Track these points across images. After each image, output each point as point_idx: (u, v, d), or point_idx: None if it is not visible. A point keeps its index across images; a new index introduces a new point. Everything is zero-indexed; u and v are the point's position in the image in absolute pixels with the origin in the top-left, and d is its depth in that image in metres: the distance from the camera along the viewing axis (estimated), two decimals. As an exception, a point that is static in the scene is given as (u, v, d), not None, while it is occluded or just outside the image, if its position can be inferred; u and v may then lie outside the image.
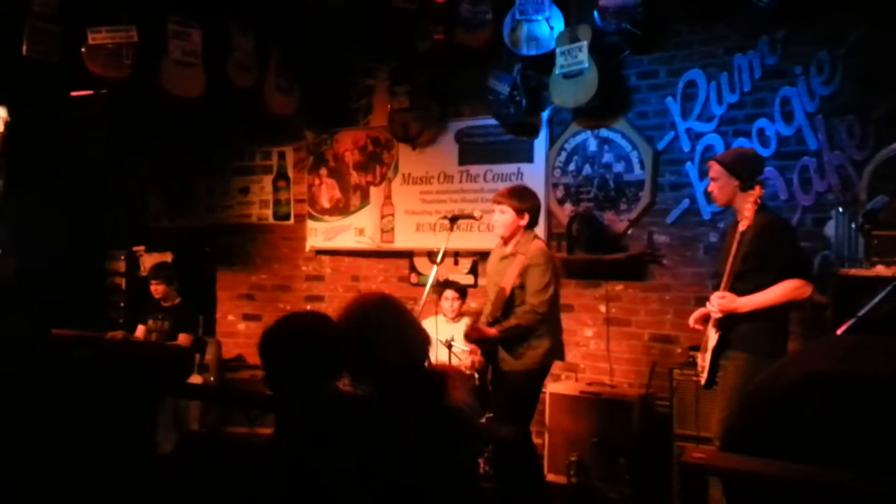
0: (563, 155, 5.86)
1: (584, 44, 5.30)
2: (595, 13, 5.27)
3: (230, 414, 5.29)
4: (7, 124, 6.21)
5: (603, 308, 5.66)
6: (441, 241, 4.48)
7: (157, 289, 6.05)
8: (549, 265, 4.29)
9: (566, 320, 4.98)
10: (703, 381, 3.98)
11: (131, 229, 7.54)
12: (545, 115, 5.87)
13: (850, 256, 4.44)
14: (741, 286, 3.81)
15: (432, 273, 4.41)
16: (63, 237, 6.73)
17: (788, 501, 2.29)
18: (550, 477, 5.17)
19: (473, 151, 6.24)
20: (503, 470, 4.53)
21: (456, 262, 6.35)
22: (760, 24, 5.04)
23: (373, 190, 6.75)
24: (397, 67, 6.38)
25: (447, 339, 5.24)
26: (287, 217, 7.27)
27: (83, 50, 5.35)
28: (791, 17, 4.92)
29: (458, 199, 6.25)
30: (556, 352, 4.43)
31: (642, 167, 5.53)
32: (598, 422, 5.10)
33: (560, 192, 5.87)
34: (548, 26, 5.49)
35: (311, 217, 7.05)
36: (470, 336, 4.33)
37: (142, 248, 7.16)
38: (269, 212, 7.35)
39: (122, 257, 7.14)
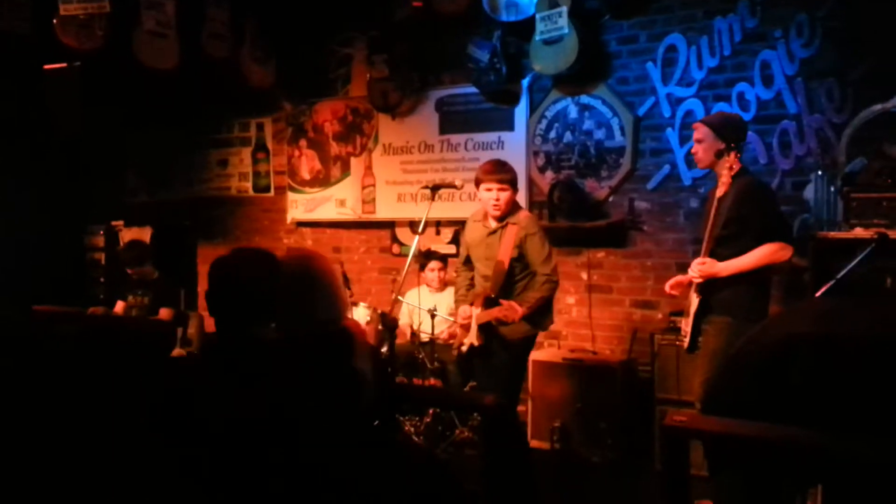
0: (544, 122, 5.83)
1: (564, 9, 5.27)
2: (574, -23, 5.23)
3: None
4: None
5: (584, 275, 5.68)
6: (422, 211, 4.45)
7: (130, 271, 5.97)
8: (542, 231, 4.27)
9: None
10: (685, 345, 4.00)
11: (110, 204, 7.48)
12: (525, 82, 5.84)
13: (830, 219, 4.46)
14: (721, 251, 3.82)
15: (414, 243, 4.38)
16: (40, 213, 6.66)
17: (768, 463, 2.31)
18: (534, 443, 5.22)
19: (454, 120, 6.21)
20: (488, 437, 4.54)
21: (438, 232, 6.34)
22: (740, -13, 5.03)
23: (353, 161, 6.71)
24: (375, 36, 6.30)
25: (430, 308, 5.25)
26: (267, 189, 7.22)
27: (55, 21, 5.26)
28: (770, -21, 4.91)
29: (439, 169, 6.23)
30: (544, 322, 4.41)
31: (623, 134, 5.52)
32: (580, 388, 5.13)
33: (541, 160, 5.85)
34: (527, -8, 5.44)
35: (292, 189, 7.01)
36: (507, 318, 4.03)
37: (121, 222, 7.11)
38: (248, 184, 7.30)
39: (101, 233, 7.08)
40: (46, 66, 6.16)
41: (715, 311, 3.85)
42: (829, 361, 2.21)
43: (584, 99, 5.66)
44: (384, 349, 5.34)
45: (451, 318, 4.92)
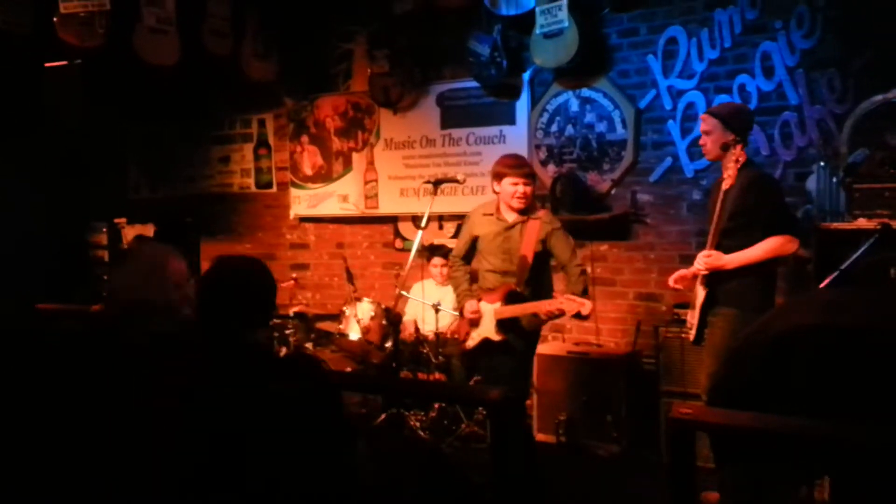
0: (545, 116, 5.83)
1: (564, 2, 5.27)
2: (574, -30, 5.22)
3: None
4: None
5: (588, 268, 5.66)
6: (425, 206, 4.46)
7: None
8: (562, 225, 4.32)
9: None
10: (691, 337, 4.01)
11: (112, 201, 7.48)
12: (526, 75, 5.83)
13: (832, 210, 4.46)
14: (728, 243, 3.83)
15: (417, 238, 4.40)
16: (43, 211, 6.66)
17: (775, 454, 2.32)
18: (540, 437, 5.23)
19: (455, 115, 6.21)
20: (495, 431, 4.54)
21: (440, 227, 6.34)
22: (740, -22, 5.03)
23: (355, 156, 6.71)
24: (376, 31, 6.31)
25: (434, 302, 5.26)
26: (269, 185, 7.22)
27: (55, 19, 5.26)
28: (771, -29, 4.90)
29: (441, 163, 6.23)
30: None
31: (624, 126, 5.52)
32: (585, 381, 5.14)
33: (543, 154, 5.85)
34: (527, -15, 5.44)
35: (294, 185, 7.01)
36: (581, 314, 3.98)
37: (123, 220, 7.10)
38: (250, 180, 7.30)
39: (104, 230, 7.08)
40: (47, 65, 6.15)
41: (722, 304, 3.85)
42: (833, 352, 2.21)
43: (586, 92, 5.65)
44: (388, 344, 5.39)
45: (456, 313, 4.92)
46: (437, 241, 6.03)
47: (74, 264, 7.07)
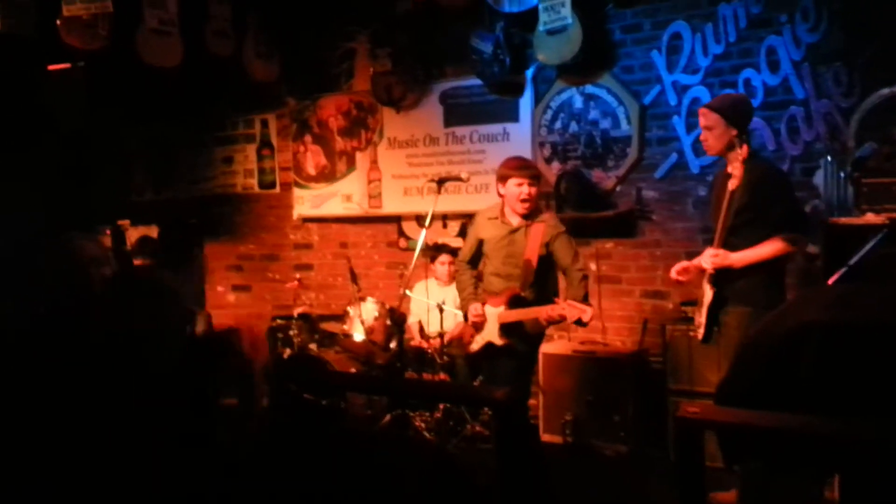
0: (549, 113, 5.80)
1: (567, -1, 5.23)
2: (577, -34, 5.19)
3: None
4: (-17, 101, 6.11)
5: (593, 266, 5.65)
6: (429, 205, 4.44)
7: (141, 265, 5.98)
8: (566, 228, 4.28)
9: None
10: (700, 335, 3.97)
11: (116, 203, 7.47)
12: (529, 73, 5.80)
13: (840, 205, 4.42)
14: (735, 240, 3.79)
15: (421, 237, 4.38)
16: (46, 214, 6.65)
17: (783, 453, 2.29)
18: (546, 437, 5.20)
19: (458, 113, 6.18)
20: (500, 432, 4.52)
21: (444, 226, 6.31)
22: (745, -28, 4.99)
23: (358, 155, 6.68)
24: (378, 29, 6.28)
25: (438, 302, 5.23)
26: (273, 185, 7.21)
27: (58, 22, 5.25)
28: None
29: (445, 162, 6.20)
30: None
31: (629, 122, 5.48)
32: (592, 380, 5.11)
33: (547, 151, 5.82)
34: (529, -18, 5.40)
35: (298, 185, 6.99)
36: (582, 321, 3.90)
37: (127, 221, 7.08)
38: (254, 181, 7.28)
39: (108, 232, 7.06)
40: (51, 67, 6.15)
41: (732, 303, 3.81)
42: (842, 348, 2.18)
43: (589, 88, 5.62)
44: (393, 344, 5.36)
45: (460, 312, 4.89)
46: (441, 240, 6.00)
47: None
